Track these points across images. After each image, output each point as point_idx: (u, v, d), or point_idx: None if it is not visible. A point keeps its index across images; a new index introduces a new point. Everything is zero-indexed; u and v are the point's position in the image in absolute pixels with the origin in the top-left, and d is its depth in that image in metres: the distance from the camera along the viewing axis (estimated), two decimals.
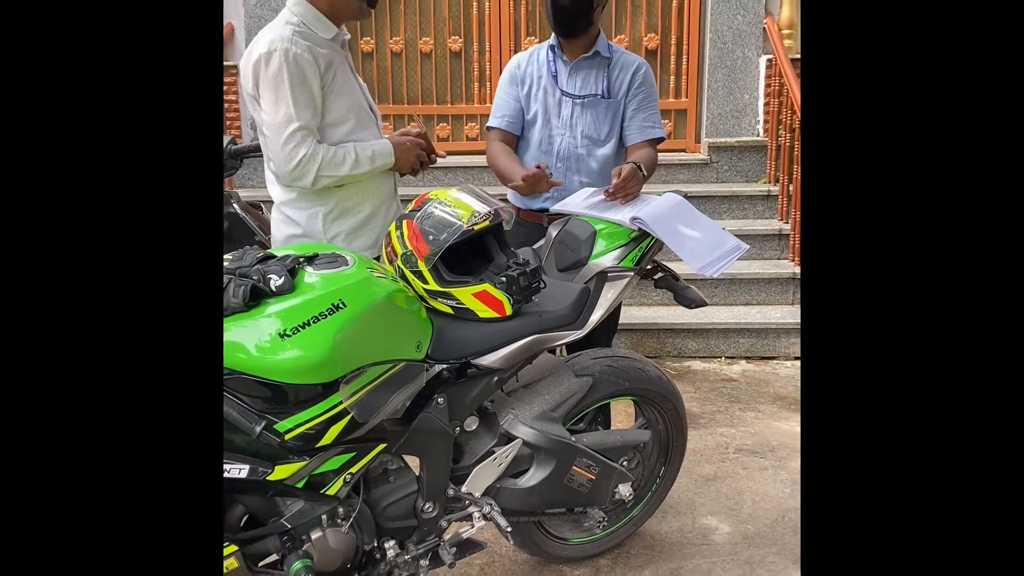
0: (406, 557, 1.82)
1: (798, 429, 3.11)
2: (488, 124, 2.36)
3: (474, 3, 5.03)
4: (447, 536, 1.90)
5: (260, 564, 1.64)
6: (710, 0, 4.87)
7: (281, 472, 1.53)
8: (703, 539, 2.40)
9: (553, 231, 2.06)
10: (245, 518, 1.65)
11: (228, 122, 4.89)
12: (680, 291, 1.99)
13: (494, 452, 1.91)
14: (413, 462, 1.85)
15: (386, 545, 1.78)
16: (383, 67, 5.13)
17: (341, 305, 1.56)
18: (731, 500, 2.61)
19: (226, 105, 4.92)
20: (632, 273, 1.90)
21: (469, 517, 1.91)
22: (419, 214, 1.79)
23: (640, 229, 1.90)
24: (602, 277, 1.90)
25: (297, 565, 1.57)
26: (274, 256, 1.64)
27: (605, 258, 1.90)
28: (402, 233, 1.81)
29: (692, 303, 1.98)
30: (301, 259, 1.63)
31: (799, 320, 3.83)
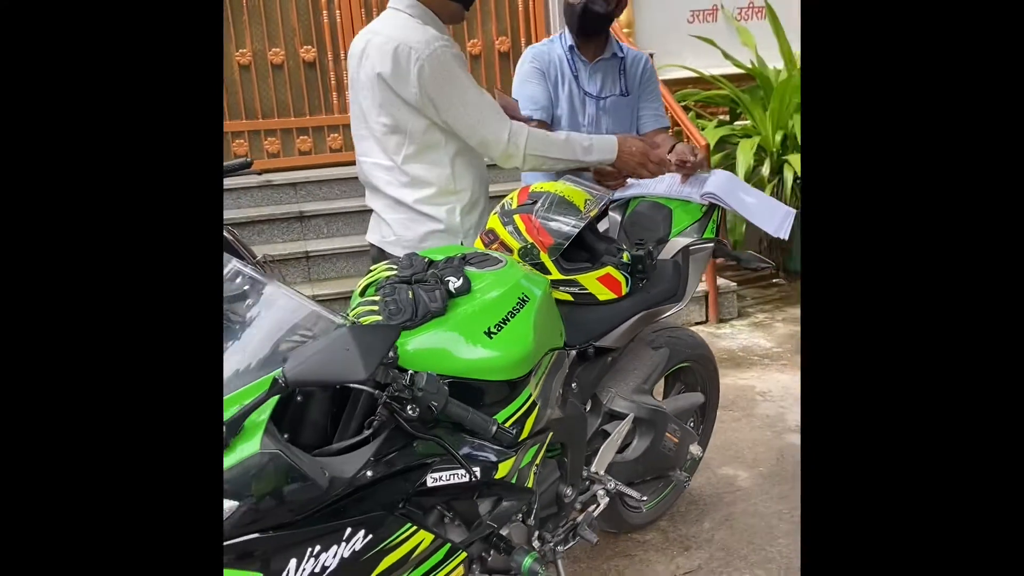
0: (549, 545, 1.85)
1: (743, 382, 3.47)
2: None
3: (324, 11, 4.91)
4: (579, 518, 1.95)
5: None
6: (551, 4, 5.16)
7: (503, 469, 1.52)
8: (732, 487, 2.63)
9: (616, 216, 2.17)
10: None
11: None
12: (745, 260, 2.19)
13: (605, 430, 2.00)
14: None
15: (535, 536, 1.80)
16: (231, 79, 4.83)
17: (525, 299, 1.58)
18: (731, 451, 2.87)
19: None
20: (712, 244, 2.07)
21: (594, 497, 1.98)
22: (536, 208, 1.83)
23: (710, 203, 2.07)
24: (685, 251, 2.04)
25: (528, 561, 1.56)
26: (435, 260, 1.61)
27: (686, 233, 2.05)
28: (516, 228, 1.83)
29: (762, 266, 2.20)
30: (459, 260, 1.62)
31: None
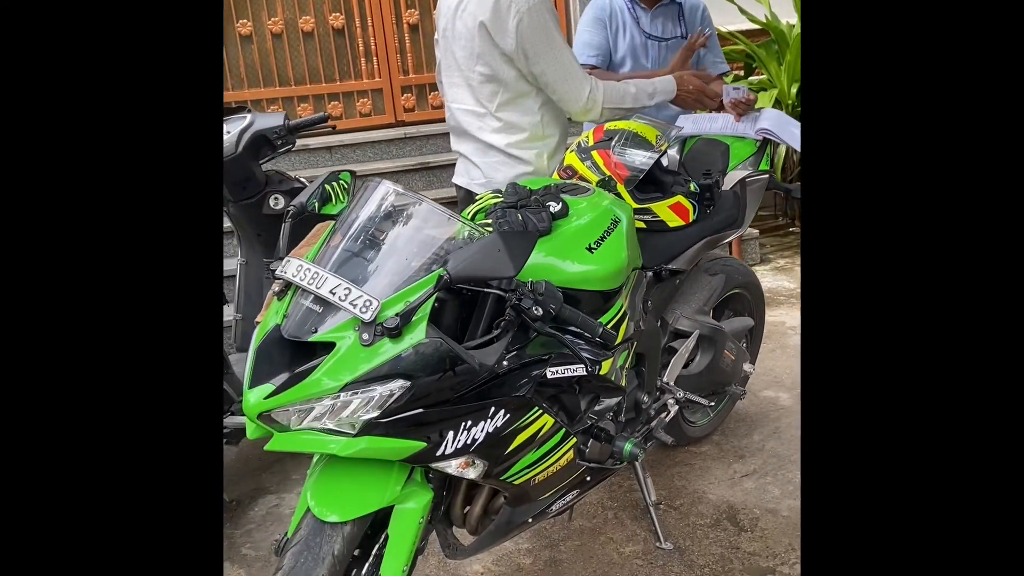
0: None
1: (774, 318, 3.68)
2: (580, 62, 2.58)
3: None
4: (653, 424, 2.17)
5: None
6: None
7: (604, 367, 1.74)
8: (775, 406, 2.86)
9: (674, 153, 2.37)
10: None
11: None
12: (794, 190, 2.40)
13: (672, 347, 2.22)
14: None
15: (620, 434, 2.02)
16: (264, 49, 4.99)
17: (616, 220, 1.79)
18: (771, 376, 3.10)
19: None
20: (767, 176, 2.28)
21: (665, 405, 2.20)
22: (613, 144, 2.03)
23: (763, 138, 2.28)
24: (743, 183, 2.25)
25: (628, 446, 1.79)
26: (535, 189, 1.81)
27: (742, 166, 2.26)
28: (594, 163, 2.04)
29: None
30: (556, 188, 1.82)
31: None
